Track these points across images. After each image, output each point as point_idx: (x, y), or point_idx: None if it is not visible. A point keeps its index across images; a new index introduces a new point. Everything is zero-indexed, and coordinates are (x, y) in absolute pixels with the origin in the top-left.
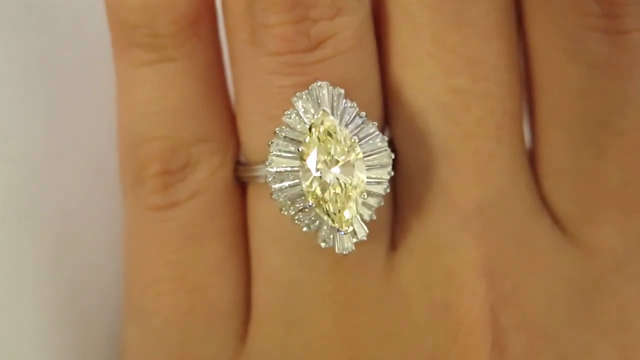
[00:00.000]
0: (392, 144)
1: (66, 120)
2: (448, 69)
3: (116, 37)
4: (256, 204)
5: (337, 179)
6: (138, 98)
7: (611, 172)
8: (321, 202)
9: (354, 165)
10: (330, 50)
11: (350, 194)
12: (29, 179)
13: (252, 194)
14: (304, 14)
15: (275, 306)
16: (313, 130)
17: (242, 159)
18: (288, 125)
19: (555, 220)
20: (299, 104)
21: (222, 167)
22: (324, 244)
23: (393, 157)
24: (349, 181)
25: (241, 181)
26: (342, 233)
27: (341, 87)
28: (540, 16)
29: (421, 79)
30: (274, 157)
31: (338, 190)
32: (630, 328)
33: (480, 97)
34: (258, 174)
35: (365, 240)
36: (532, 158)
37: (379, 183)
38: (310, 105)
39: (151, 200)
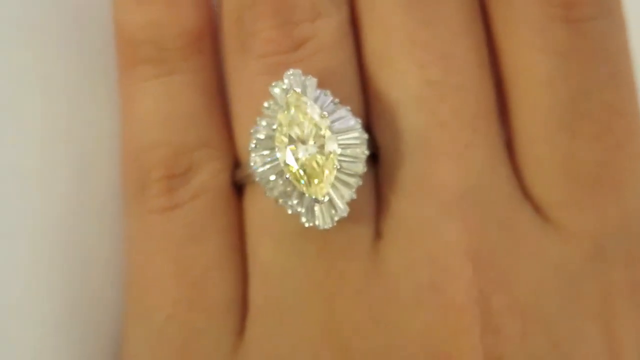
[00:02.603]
0: (374, 140)
1: (65, 126)
2: (421, 63)
3: (123, 53)
4: (251, 203)
5: (311, 153)
6: (144, 109)
7: (585, 156)
8: (299, 178)
9: (324, 137)
10: (311, 49)
11: (325, 165)
12: (29, 183)
13: (248, 193)
14: (287, 19)
15: (269, 298)
16: (285, 110)
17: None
18: (268, 115)
19: (537, 207)
20: (276, 93)
21: (221, 171)
22: (306, 223)
23: (367, 136)
24: (323, 153)
25: (238, 184)
26: (322, 201)
27: (321, 81)
28: (504, 10)
29: (397, 74)
30: (255, 158)
31: (314, 164)
32: (615, 313)
33: (454, 88)
34: (251, 172)
35: (350, 225)
36: (510, 150)
37: (354, 162)
38: (284, 92)
39: (155, 203)
